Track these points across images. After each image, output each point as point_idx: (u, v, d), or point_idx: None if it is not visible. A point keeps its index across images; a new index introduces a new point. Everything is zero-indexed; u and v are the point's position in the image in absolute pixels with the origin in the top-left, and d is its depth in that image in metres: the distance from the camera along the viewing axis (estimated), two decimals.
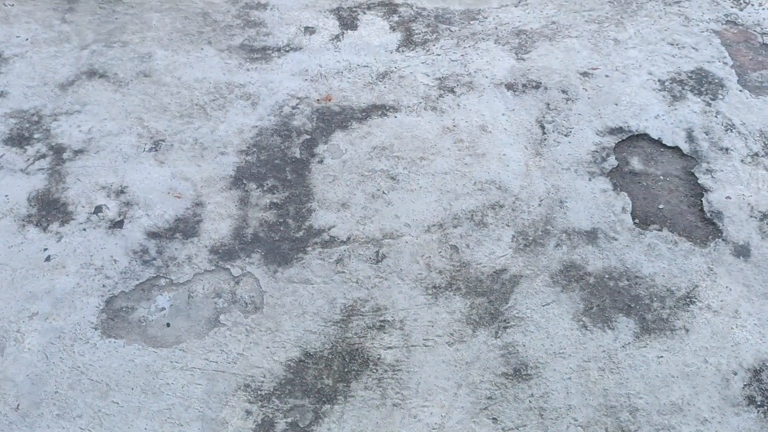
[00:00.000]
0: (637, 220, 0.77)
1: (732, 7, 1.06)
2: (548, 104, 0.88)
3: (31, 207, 0.76)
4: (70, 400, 0.61)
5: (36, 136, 0.84)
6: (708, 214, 0.77)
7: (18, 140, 0.83)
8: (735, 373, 0.65)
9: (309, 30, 0.99)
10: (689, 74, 0.94)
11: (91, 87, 0.89)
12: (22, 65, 0.92)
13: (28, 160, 0.81)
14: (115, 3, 1.02)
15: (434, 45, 0.96)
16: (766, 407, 0.63)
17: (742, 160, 0.83)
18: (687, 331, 0.68)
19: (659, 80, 0.92)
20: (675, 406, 0.63)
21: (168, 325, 0.66)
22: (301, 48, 0.95)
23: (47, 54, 0.94)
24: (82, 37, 0.96)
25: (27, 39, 0.96)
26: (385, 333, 0.67)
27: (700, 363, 0.65)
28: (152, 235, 0.74)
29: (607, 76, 0.92)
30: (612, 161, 0.82)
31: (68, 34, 0.97)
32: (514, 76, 0.92)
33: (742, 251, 0.75)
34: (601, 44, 0.97)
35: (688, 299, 0.70)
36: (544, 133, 0.85)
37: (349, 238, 0.74)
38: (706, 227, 0.77)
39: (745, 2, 1.06)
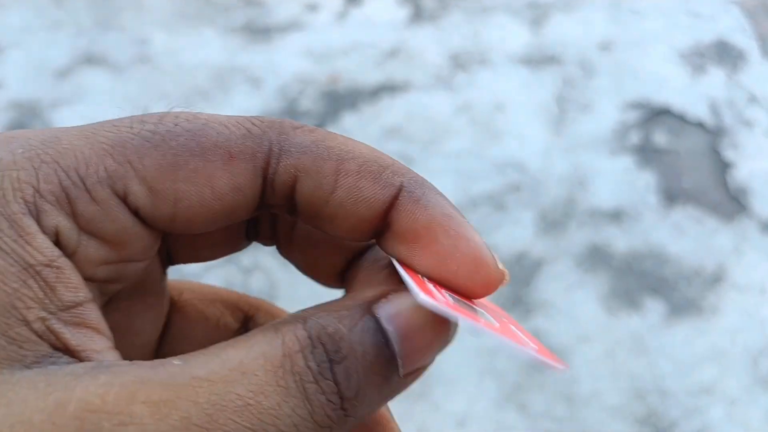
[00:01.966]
0: (661, 198, 0.75)
1: None
2: (566, 80, 0.85)
3: None
4: None
5: (37, 127, 0.81)
6: (732, 191, 0.75)
7: None
8: (763, 353, 0.63)
9: (312, 8, 0.95)
10: (709, 46, 0.90)
11: (90, 74, 0.86)
12: (17, 54, 0.89)
13: None
14: None
15: (444, 21, 0.93)
16: None
17: (765, 134, 0.80)
18: (714, 310, 0.66)
19: (679, 52, 0.89)
20: (704, 388, 0.62)
21: None
22: (304, 27, 0.92)
23: (43, 42, 0.91)
24: (77, 23, 0.93)
25: (21, 27, 0.92)
26: None
27: (728, 343, 0.64)
28: None
29: (625, 49, 0.89)
30: (633, 138, 0.80)
31: (63, 20, 0.93)
32: (529, 51, 0.89)
33: None
34: (618, 16, 0.93)
35: (715, 278, 0.68)
36: (562, 110, 0.82)
37: None
38: (731, 203, 0.75)
39: None
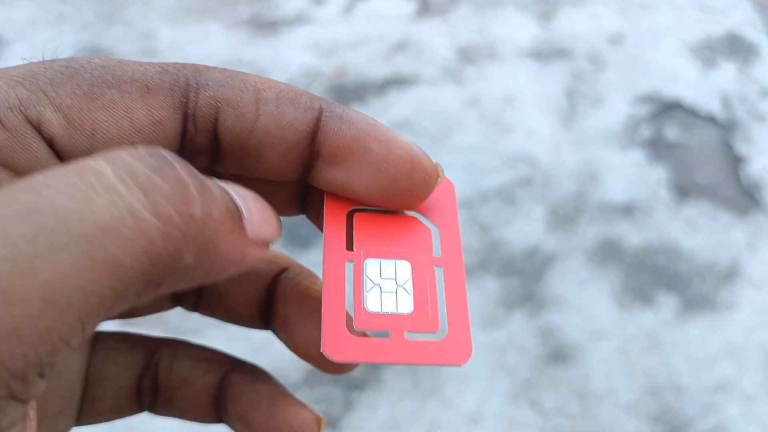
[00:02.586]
0: (673, 193, 0.74)
1: None
2: (575, 74, 0.84)
3: None
4: None
5: None
6: (745, 186, 0.74)
7: None
8: None
9: (318, 1, 0.94)
10: (720, 39, 0.89)
11: None
12: (22, 49, 0.89)
13: None
14: None
15: (452, 14, 0.92)
16: None
17: None
18: (729, 306, 0.65)
19: (690, 46, 0.88)
20: (719, 385, 0.61)
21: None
22: (311, 21, 0.91)
23: (48, 36, 0.90)
24: (82, 17, 0.92)
25: (26, 22, 0.92)
26: None
27: (743, 339, 0.63)
28: None
29: (635, 42, 0.88)
30: (644, 132, 0.79)
31: (68, 15, 0.93)
32: (538, 44, 0.88)
33: None
34: (628, 9, 0.92)
35: (729, 273, 0.67)
36: (572, 104, 0.82)
37: None
38: (744, 198, 0.74)
39: None
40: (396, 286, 0.13)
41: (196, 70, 0.12)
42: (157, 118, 0.11)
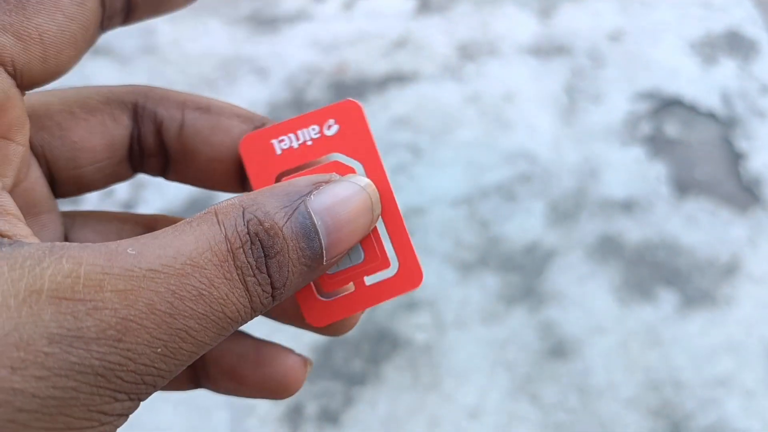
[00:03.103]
0: (673, 189, 0.74)
1: None
2: (575, 70, 0.84)
3: None
4: None
5: None
6: (745, 182, 0.74)
7: None
8: None
9: None
10: (720, 36, 0.89)
11: (96, 65, 0.86)
12: None
13: None
14: None
15: (452, 11, 0.92)
16: None
17: None
18: (729, 302, 0.65)
19: (690, 43, 0.88)
20: (719, 380, 0.61)
21: None
22: (311, 18, 0.91)
23: None
24: None
25: None
26: (414, 313, 0.65)
27: (743, 334, 0.63)
28: None
29: (636, 39, 0.88)
30: (645, 128, 0.79)
31: None
32: (538, 41, 0.88)
33: None
34: (628, 6, 0.92)
35: (729, 269, 0.67)
36: (572, 100, 0.82)
37: None
38: (744, 195, 0.74)
39: None
40: None
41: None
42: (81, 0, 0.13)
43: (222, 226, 0.12)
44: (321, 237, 0.13)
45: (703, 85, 0.83)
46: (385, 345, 0.63)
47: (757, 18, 0.92)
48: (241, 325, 0.12)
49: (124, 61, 0.86)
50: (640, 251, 0.69)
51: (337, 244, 0.13)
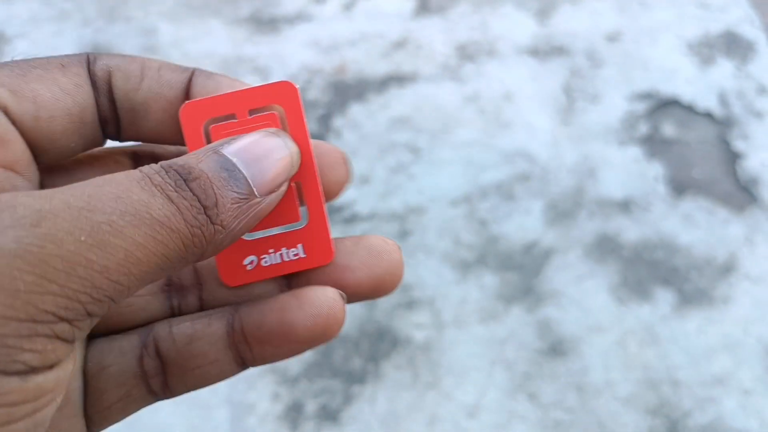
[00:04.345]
0: (671, 189, 0.74)
1: None
2: (573, 70, 0.85)
3: None
4: None
5: None
6: (742, 182, 0.75)
7: None
8: None
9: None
10: (718, 37, 0.90)
11: None
12: (25, 45, 0.89)
13: None
14: None
15: (451, 11, 0.92)
16: None
17: None
18: (726, 301, 0.65)
19: (687, 43, 0.89)
20: (716, 378, 0.61)
21: None
22: (311, 18, 0.91)
23: (49, 32, 0.90)
24: (84, 14, 0.93)
25: (28, 18, 0.92)
26: (413, 311, 0.65)
27: (740, 333, 0.63)
28: None
29: (633, 39, 0.89)
30: (642, 128, 0.79)
31: (70, 11, 0.93)
32: (536, 41, 0.88)
33: None
34: (626, 6, 0.93)
35: (726, 269, 0.68)
36: (570, 100, 0.82)
37: (371, 215, 0.72)
38: (741, 194, 0.74)
39: None
40: None
41: (93, 52, 0.16)
42: (77, 83, 0.15)
43: (137, 168, 0.13)
44: (240, 169, 0.13)
45: (700, 85, 0.84)
46: (385, 343, 0.63)
47: (755, 18, 0.92)
48: (191, 242, 0.12)
49: None
50: (637, 250, 0.69)
51: (261, 173, 0.13)
